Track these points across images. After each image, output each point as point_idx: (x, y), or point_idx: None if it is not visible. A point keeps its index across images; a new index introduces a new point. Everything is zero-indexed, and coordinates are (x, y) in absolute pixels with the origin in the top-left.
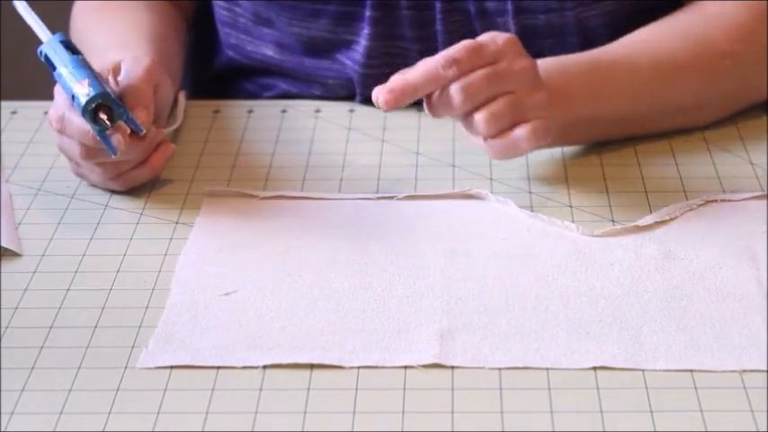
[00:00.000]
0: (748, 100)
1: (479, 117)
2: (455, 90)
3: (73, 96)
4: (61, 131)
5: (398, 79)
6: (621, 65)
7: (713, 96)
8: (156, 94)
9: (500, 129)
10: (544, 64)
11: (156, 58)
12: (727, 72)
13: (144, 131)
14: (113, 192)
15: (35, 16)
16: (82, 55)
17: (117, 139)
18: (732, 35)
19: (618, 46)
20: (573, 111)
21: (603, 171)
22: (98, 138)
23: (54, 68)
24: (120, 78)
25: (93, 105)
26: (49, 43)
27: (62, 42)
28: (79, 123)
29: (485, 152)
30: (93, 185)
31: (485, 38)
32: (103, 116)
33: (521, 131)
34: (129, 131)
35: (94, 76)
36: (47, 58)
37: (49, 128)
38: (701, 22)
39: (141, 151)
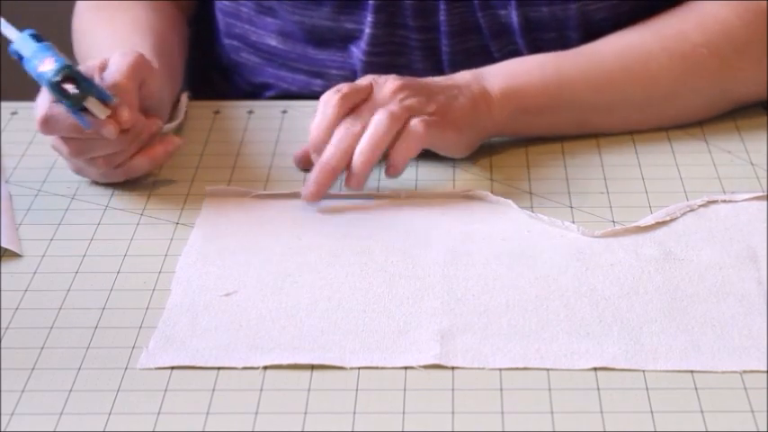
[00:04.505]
0: (738, 97)
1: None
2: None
3: (40, 77)
4: (49, 132)
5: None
6: (585, 55)
7: (689, 88)
8: (144, 89)
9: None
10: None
11: (142, 53)
12: (703, 63)
13: (115, 100)
14: (114, 192)
15: (3, 20)
16: (49, 42)
17: (108, 129)
18: (708, 29)
19: (588, 43)
20: (528, 99)
21: (603, 171)
22: (72, 115)
23: (23, 60)
24: (104, 75)
25: (58, 78)
26: (18, 40)
27: (31, 36)
28: (61, 118)
29: (485, 152)
30: (97, 180)
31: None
32: (68, 86)
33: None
34: (120, 125)
35: (58, 54)
36: (17, 54)
37: None
38: (678, 18)
39: (130, 141)
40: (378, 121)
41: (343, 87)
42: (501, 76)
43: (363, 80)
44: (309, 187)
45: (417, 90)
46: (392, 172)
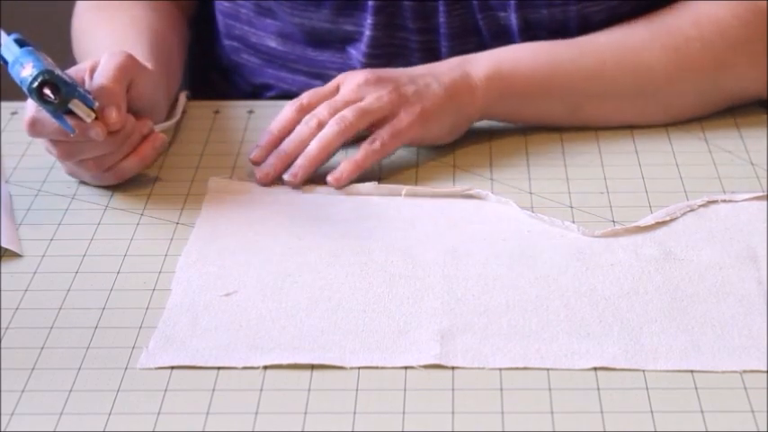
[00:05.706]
0: (733, 95)
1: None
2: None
3: (22, 82)
4: (36, 135)
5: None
6: (579, 44)
7: (681, 80)
8: (133, 90)
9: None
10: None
11: (131, 54)
12: (695, 56)
13: (96, 104)
14: (114, 192)
15: None
16: (32, 47)
17: (96, 132)
18: (703, 25)
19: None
20: (516, 84)
21: (603, 171)
22: (56, 121)
23: (7, 66)
24: (94, 78)
25: (37, 83)
26: (3, 45)
27: (15, 40)
28: (47, 121)
29: (485, 152)
30: (90, 183)
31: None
32: (47, 91)
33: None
34: (108, 126)
35: (39, 59)
36: (3, 59)
37: None
38: (674, 15)
39: (120, 143)
40: (328, 127)
41: (304, 99)
42: (489, 60)
43: (333, 81)
44: (263, 169)
45: (383, 82)
46: (334, 184)
